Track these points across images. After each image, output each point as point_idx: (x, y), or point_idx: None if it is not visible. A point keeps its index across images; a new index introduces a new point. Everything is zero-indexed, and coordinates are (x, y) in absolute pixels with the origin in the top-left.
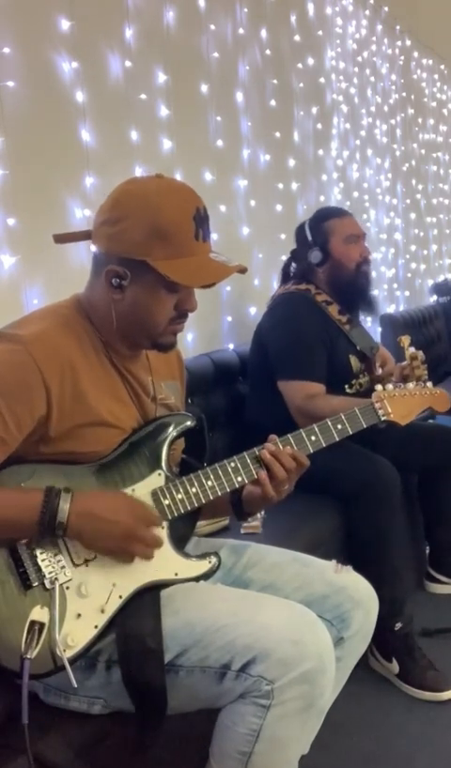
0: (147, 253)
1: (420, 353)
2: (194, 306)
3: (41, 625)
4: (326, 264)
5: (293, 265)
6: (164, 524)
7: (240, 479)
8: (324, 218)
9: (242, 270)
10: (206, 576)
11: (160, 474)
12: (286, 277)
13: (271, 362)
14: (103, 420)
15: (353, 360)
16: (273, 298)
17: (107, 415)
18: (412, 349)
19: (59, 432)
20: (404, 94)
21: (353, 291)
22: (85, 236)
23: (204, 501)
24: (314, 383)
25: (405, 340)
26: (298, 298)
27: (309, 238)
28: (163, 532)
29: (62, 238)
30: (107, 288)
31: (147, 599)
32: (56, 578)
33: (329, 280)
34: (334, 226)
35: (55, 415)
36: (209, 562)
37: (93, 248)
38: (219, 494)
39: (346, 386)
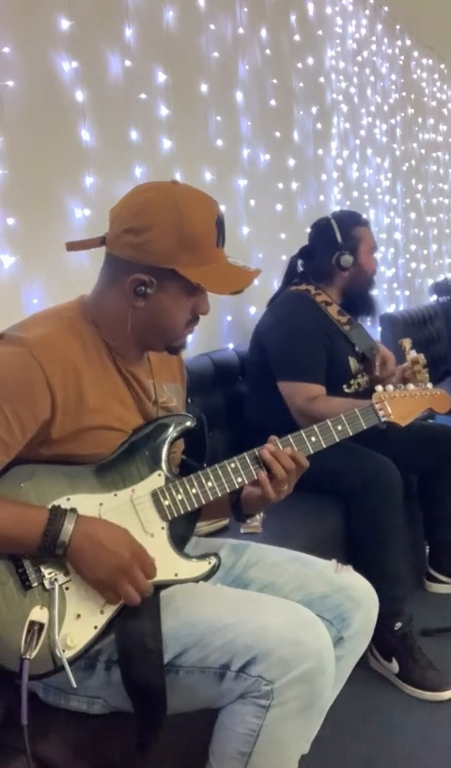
0: (176, 262)
1: (422, 356)
2: (208, 309)
3: (41, 626)
4: (351, 269)
5: (300, 262)
6: (165, 524)
7: (240, 479)
8: (353, 223)
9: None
10: (206, 577)
11: (160, 475)
12: (291, 275)
13: (270, 363)
14: (106, 423)
15: (352, 361)
16: (273, 298)
17: (110, 418)
18: (414, 353)
19: (62, 435)
20: (404, 93)
21: (364, 298)
22: (99, 242)
23: (204, 502)
24: (314, 385)
25: (406, 343)
26: (297, 298)
27: (339, 240)
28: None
29: (74, 246)
30: (127, 295)
31: (147, 599)
32: (56, 579)
33: (347, 284)
34: (363, 234)
35: (59, 418)
36: (210, 563)
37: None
38: (219, 495)
39: (344, 386)
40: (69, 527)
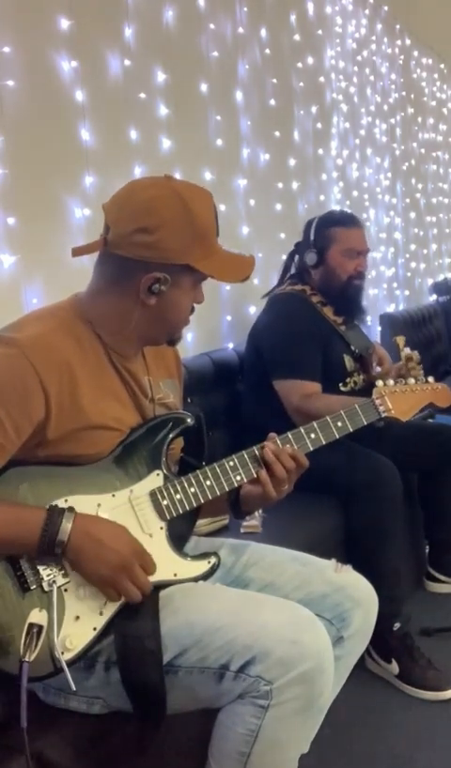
0: (190, 257)
1: (415, 354)
2: (203, 298)
3: (40, 628)
4: (319, 268)
5: (296, 258)
6: (163, 524)
7: (238, 478)
8: (332, 223)
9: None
10: (205, 577)
11: (158, 474)
12: (286, 270)
13: (265, 362)
14: (103, 422)
15: (347, 359)
16: (269, 297)
17: (106, 417)
18: (408, 350)
19: (58, 435)
20: (404, 93)
21: (343, 298)
22: (101, 244)
23: (203, 501)
24: (310, 382)
25: (400, 340)
26: (291, 298)
27: (311, 237)
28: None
29: (80, 251)
30: (137, 294)
31: (146, 600)
32: (55, 581)
33: (320, 283)
34: (338, 235)
35: (54, 418)
36: (209, 563)
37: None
38: (218, 493)
39: (340, 384)
40: (67, 525)
